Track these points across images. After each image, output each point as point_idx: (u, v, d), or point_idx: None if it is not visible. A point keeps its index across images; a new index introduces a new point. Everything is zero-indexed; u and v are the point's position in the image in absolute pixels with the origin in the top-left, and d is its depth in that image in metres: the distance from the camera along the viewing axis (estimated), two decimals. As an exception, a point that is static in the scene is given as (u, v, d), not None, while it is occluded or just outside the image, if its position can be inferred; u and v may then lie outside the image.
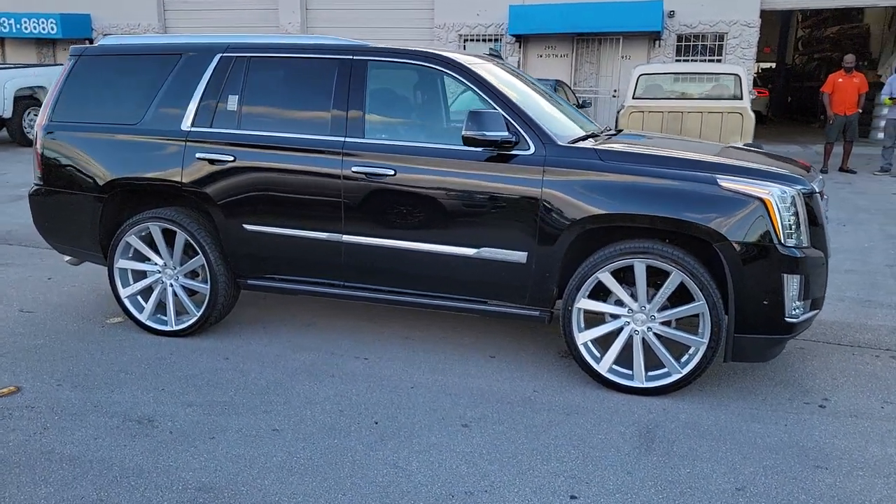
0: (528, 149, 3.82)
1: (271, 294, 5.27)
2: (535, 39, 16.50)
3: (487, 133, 3.72)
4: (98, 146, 4.51)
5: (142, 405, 3.63)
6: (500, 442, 3.30)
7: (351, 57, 4.15)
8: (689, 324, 3.82)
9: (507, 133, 3.76)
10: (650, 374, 3.79)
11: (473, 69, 4.04)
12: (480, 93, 3.96)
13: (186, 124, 4.36)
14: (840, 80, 11.60)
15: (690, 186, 3.60)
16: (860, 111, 11.86)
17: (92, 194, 4.52)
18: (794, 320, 3.63)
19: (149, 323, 4.59)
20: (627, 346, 3.82)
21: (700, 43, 14.85)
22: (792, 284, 3.57)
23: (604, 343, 3.88)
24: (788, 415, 3.61)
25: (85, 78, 4.65)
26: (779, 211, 3.52)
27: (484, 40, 16.98)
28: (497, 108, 3.89)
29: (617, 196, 3.65)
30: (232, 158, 4.24)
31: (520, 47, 16.82)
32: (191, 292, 4.63)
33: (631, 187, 3.65)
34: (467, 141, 3.78)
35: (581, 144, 3.90)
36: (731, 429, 3.46)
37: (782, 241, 3.52)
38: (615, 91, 15.46)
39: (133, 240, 4.49)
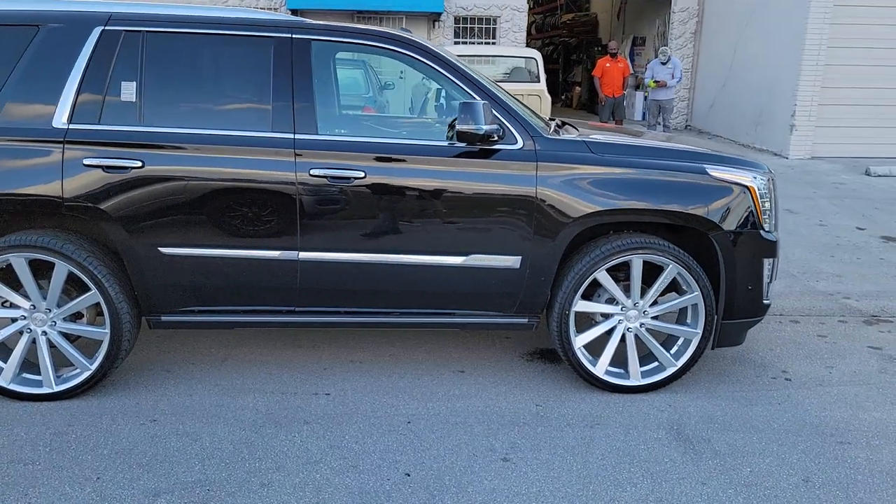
0: (515, 143, 3.46)
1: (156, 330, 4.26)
2: (313, 15, 15.66)
3: (483, 127, 3.29)
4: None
5: (83, 508, 2.67)
6: (558, 473, 2.97)
7: (290, 35, 3.41)
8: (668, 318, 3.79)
9: (496, 126, 3.37)
10: (643, 370, 3.70)
11: (441, 52, 3.56)
12: (455, 80, 3.49)
13: (61, 120, 3.27)
14: (608, 64, 12.67)
15: (685, 177, 3.53)
16: (625, 93, 13.10)
17: None
18: (768, 302, 3.77)
19: (12, 387, 3.43)
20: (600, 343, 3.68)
21: (476, 26, 15.27)
22: (768, 268, 3.69)
23: (589, 346, 3.70)
24: (771, 393, 3.76)
25: None
26: (760, 197, 3.60)
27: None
28: (476, 97, 3.47)
29: (618, 190, 3.47)
30: (139, 164, 3.27)
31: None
32: (71, 338, 3.54)
33: (630, 180, 3.49)
34: (463, 137, 3.32)
35: (566, 136, 3.64)
36: (740, 417, 3.50)
37: (763, 227, 3.62)
38: (402, 72, 15.28)
39: (-10, 282, 3.30)
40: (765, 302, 3.73)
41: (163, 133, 3.31)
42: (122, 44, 3.33)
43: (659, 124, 12.37)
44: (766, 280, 3.69)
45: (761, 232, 3.61)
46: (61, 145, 3.25)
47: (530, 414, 3.47)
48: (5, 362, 3.43)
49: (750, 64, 13.36)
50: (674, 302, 3.64)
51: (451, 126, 3.53)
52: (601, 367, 3.67)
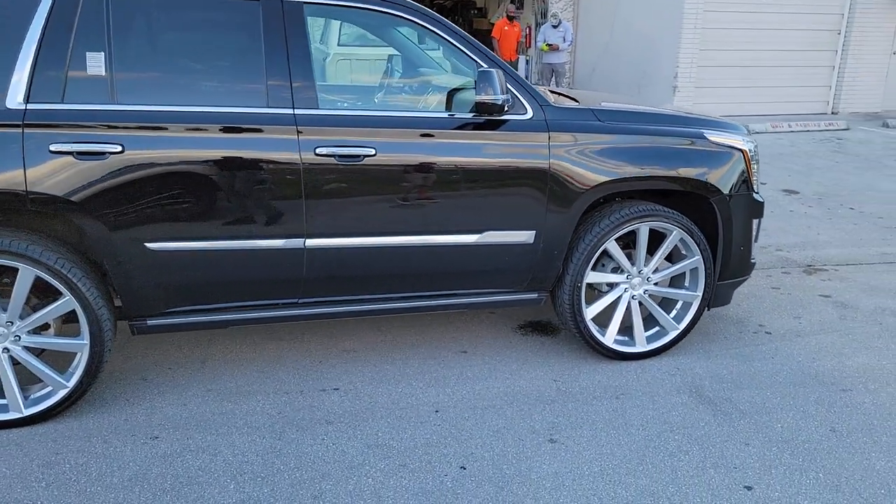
0: (525, 112, 3.32)
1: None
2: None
3: (500, 96, 3.12)
4: None
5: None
6: (610, 448, 2.93)
7: (279, -2, 3.06)
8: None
9: (508, 95, 3.21)
10: (647, 336, 3.73)
11: (444, 19, 3.32)
12: (462, 47, 3.28)
13: (17, 99, 2.76)
14: (506, 27, 12.67)
15: (689, 143, 3.55)
16: (519, 56, 13.19)
17: None
18: (755, 261, 3.90)
19: (-28, 416, 2.93)
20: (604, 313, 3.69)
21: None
22: (755, 228, 3.82)
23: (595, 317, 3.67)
24: (760, 348, 3.91)
25: None
26: (752, 160, 3.70)
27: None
28: (484, 64, 3.28)
29: (631, 158, 3.42)
30: (118, 148, 2.83)
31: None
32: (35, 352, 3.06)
33: (640, 148, 3.45)
34: (482, 107, 3.13)
35: (572, 105, 3.54)
36: (745, 374, 3.61)
37: (754, 188, 3.72)
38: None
39: (-70, 293, 2.76)
40: (752, 261, 3.86)
41: (146, 112, 2.87)
42: (84, 6, 2.84)
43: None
44: (754, 240, 3.81)
45: (753, 194, 3.71)
46: (20, 129, 2.74)
47: (553, 390, 3.40)
48: (-39, 388, 2.91)
49: (631, 28, 13.82)
50: (677, 266, 3.68)
51: (450, 97, 3.34)
52: (610, 337, 3.66)
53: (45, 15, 2.79)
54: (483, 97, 3.09)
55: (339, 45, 10.56)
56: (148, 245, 2.95)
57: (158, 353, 3.67)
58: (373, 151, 3.09)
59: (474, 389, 3.39)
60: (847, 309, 4.47)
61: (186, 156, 2.90)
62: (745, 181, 3.66)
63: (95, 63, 2.84)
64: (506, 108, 3.20)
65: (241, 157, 2.96)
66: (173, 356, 3.64)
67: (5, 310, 2.89)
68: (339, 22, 8.28)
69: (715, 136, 3.61)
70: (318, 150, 3.03)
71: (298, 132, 3.01)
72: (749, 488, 2.68)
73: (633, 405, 3.27)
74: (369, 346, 3.81)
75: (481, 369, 3.59)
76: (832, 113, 13.93)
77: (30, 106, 2.76)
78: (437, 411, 3.19)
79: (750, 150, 3.68)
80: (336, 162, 3.06)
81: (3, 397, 2.99)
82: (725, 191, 3.58)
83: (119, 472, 2.70)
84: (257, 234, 3.05)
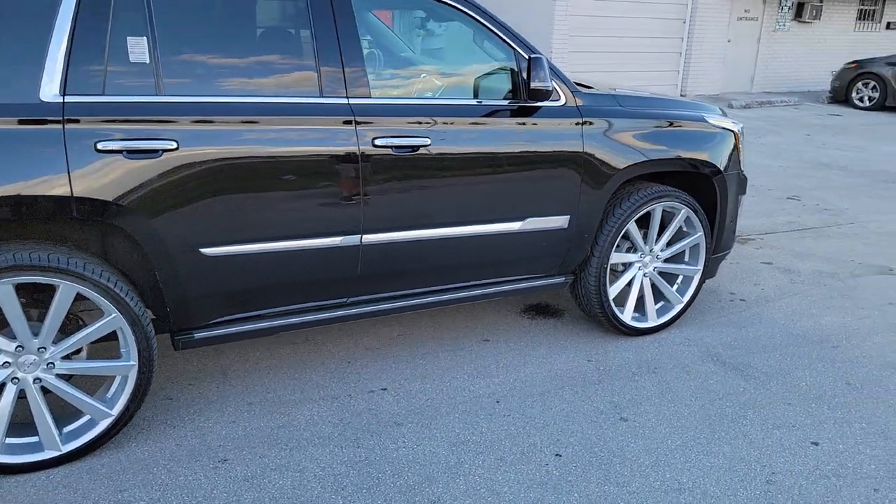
0: (559, 99, 3.36)
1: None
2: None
3: (549, 83, 3.14)
4: None
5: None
6: (678, 421, 3.07)
7: (326, -21, 2.86)
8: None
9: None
10: (657, 310, 3.94)
11: (484, 7, 3.26)
12: (503, 36, 3.24)
13: (51, 91, 2.38)
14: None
15: (698, 126, 3.76)
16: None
17: None
18: (737, 235, 4.22)
19: (2, 459, 2.53)
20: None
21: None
22: (740, 204, 4.13)
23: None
24: (743, 314, 4.25)
25: None
26: (741, 141, 3.99)
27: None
28: (524, 54, 3.27)
29: (654, 141, 3.57)
30: (173, 145, 2.53)
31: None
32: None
33: (661, 132, 3.60)
34: (537, 94, 3.12)
35: (597, 91, 3.61)
36: (748, 339, 3.91)
37: (741, 167, 4.02)
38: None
39: (-50, 321, 2.34)
40: (735, 235, 4.17)
41: (199, 104, 2.59)
42: (118, -16, 2.50)
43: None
44: (739, 215, 4.13)
45: (742, 172, 4.00)
46: (59, 125, 2.37)
47: (592, 370, 3.50)
48: (-13, 427, 2.50)
49: (504, 14, 14.17)
50: (684, 242, 3.89)
51: (487, 84, 3.30)
52: (628, 314, 3.81)
53: (76, -6, 2.43)
54: (536, 84, 3.09)
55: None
56: (203, 251, 2.67)
57: (168, 368, 3.34)
58: (428, 141, 2.99)
59: (520, 377, 3.40)
60: (792, 274, 4.95)
61: (242, 150, 2.65)
62: (737, 160, 3.94)
63: (138, 49, 2.51)
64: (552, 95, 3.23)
65: (300, 151, 2.75)
66: (187, 370, 3.33)
67: (36, 334, 2.51)
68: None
69: (713, 120, 3.85)
70: (376, 142, 2.88)
71: (356, 123, 2.85)
72: (815, 444, 2.93)
73: (672, 378, 3.44)
74: (389, 342, 3.70)
75: (514, 356, 3.61)
76: (681, 95, 15.15)
77: (68, 99, 2.40)
78: (497, 401, 3.18)
79: (739, 131, 3.96)
80: (393, 153, 2.93)
81: (32, 435, 2.60)
82: (723, 169, 3.84)
83: (204, 501, 2.45)
84: (314, 233, 2.86)
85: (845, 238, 5.85)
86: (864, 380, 3.48)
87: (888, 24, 18.99)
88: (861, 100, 14.96)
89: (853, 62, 15.25)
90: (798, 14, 16.83)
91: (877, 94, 14.69)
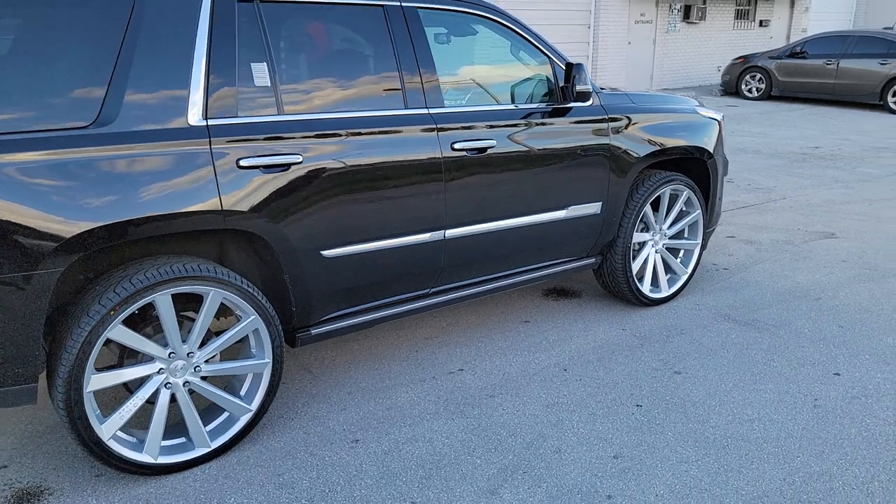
0: (587, 100, 3.82)
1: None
2: None
3: (590, 85, 3.60)
4: (18, 184, 2.27)
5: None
6: (729, 377, 3.57)
7: (399, 3, 3.20)
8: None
9: (587, 85, 3.70)
10: (667, 280, 4.48)
11: (520, 20, 3.68)
12: (541, 47, 3.68)
13: (196, 116, 2.62)
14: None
15: (693, 117, 4.32)
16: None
17: (35, 272, 2.29)
18: (720, 213, 4.84)
19: (162, 460, 2.72)
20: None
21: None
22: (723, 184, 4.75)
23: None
24: (731, 279, 4.87)
25: None
26: (722, 128, 4.60)
27: None
28: (557, 60, 3.72)
29: (665, 132, 4.09)
30: (299, 159, 2.81)
31: None
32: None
33: (669, 124, 4.14)
34: (581, 96, 3.58)
35: (609, 91, 4.10)
36: (747, 300, 4.51)
37: (724, 151, 4.64)
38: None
39: (120, 332, 2.52)
40: (719, 212, 4.79)
41: (315, 120, 2.87)
42: (239, 11, 2.76)
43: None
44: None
45: (724, 156, 4.61)
46: (207, 146, 2.61)
47: (631, 336, 3.97)
48: (146, 434, 2.68)
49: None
50: (687, 220, 4.44)
51: (530, 89, 3.71)
52: (646, 287, 4.33)
53: (207, 21, 2.67)
54: (581, 87, 3.55)
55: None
56: (323, 253, 2.95)
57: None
58: (494, 143, 3.38)
59: (572, 348, 3.83)
60: (755, 244, 5.65)
61: (351, 160, 2.95)
62: (722, 145, 4.54)
63: (260, 74, 2.78)
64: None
65: (397, 158, 3.08)
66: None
67: (185, 341, 2.71)
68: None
69: (702, 111, 4.44)
70: (454, 146, 3.24)
71: (439, 130, 3.20)
72: (837, 374, 3.52)
73: (700, 336, 3.97)
74: (443, 331, 4.04)
75: (559, 333, 4.03)
76: (593, 95, 16.08)
77: (210, 122, 2.63)
78: (565, 370, 3.60)
79: (721, 120, 4.57)
80: (468, 155, 3.30)
81: (180, 436, 2.79)
82: (714, 153, 4.43)
83: (361, 475, 2.73)
84: (409, 231, 3.19)
85: (784, 211, 6.65)
86: (851, 322, 4.13)
87: (761, 21, 20.86)
88: (750, 91, 16.41)
89: (739, 58, 16.71)
90: (686, 16, 18.25)
91: (763, 86, 16.17)
